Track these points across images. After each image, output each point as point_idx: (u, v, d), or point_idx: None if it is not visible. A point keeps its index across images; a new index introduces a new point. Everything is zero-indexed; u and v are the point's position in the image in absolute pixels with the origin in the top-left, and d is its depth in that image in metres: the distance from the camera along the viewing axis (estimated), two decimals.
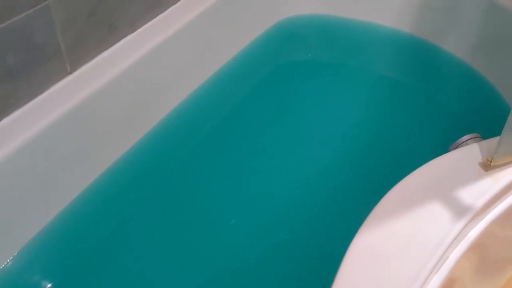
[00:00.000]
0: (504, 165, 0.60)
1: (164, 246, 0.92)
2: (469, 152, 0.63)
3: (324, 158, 1.08)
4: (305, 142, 1.12)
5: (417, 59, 1.36)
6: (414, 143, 1.11)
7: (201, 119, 1.17)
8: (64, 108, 0.90)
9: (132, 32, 1.04)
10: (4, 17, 0.77)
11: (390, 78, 1.33)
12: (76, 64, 0.94)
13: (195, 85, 1.22)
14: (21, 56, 0.82)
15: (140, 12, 1.04)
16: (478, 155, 0.62)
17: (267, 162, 1.08)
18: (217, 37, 1.26)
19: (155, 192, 1.01)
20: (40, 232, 0.91)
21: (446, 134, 1.12)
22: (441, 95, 1.26)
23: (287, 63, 1.38)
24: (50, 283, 0.86)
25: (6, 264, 0.87)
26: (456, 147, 0.69)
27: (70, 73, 0.93)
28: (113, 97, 0.99)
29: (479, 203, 0.56)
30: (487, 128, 0.96)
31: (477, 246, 0.56)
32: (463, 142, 0.69)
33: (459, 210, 0.56)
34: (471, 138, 0.68)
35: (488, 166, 0.60)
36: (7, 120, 0.84)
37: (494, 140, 0.61)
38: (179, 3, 1.15)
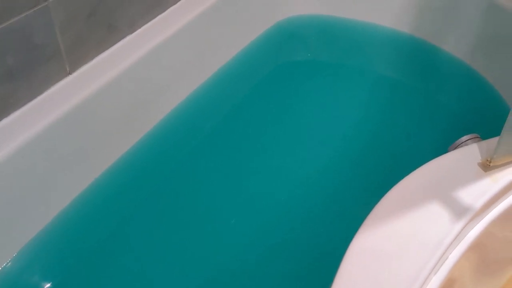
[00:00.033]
0: (504, 165, 0.60)
1: (164, 246, 0.92)
2: (469, 152, 0.63)
3: (324, 158, 1.08)
4: (305, 142, 1.12)
5: (417, 59, 1.36)
6: (414, 143, 1.11)
7: (201, 119, 1.17)
8: (64, 109, 0.90)
9: (132, 32, 1.04)
10: (4, 18, 0.77)
11: (389, 78, 1.33)
12: (75, 64, 0.94)
13: (195, 85, 1.22)
14: (21, 56, 0.82)
15: (140, 12, 1.04)
16: (477, 156, 0.62)
17: (267, 162, 1.08)
18: (217, 37, 1.26)
19: (155, 192, 1.01)
20: (40, 232, 0.91)
21: (446, 134, 1.12)
22: (440, 95, 1.26)
23: (287, 63, 1.38)
24: (50, 283, 0.86)
25: (6, 264, 0.87)
26: (456, 148, 0.69)
27: (70, 73, 0.93)
28: (112, 97, 0.99)
29: (479, 203, 0.56)
30: (486, 128, 0.96)
31: (477, 246, 0.56)
32: (462, 143, 0.69)
33: (458, 210, 0.56)
34: (471, 139, 0.68)
35: (488, 166, 0.60)
36: (6, 120, 0.84)
37: (494, 141, 0.61)
38: (178, 3, 1.15)
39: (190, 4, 1.17)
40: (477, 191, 0.58)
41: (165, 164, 1.07)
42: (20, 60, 0.82)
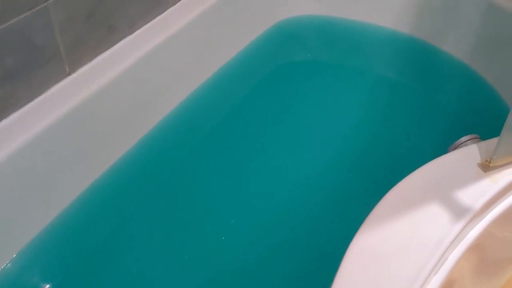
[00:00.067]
0: (503, 166, 0.61)
1: (164, 246, 0.92)
2: (468, 153, 0.63)
3: (324, 158, 1.08)
4: (304, 142, 1.12)
5: (416, 59, 1.36)
6: (414, 143, 1.11)
7: (201, 119, 1.17)
8: (63, 109, 0.90)
9: (131, 33, 1.04)
10: (3, 19, 0.77)
11: (389, 78, 1.33)
12: (75, 65, 0.94)
13: (194, 85, 1.22)
14: (20, 57, 0.82)
15: (139, 13, 1.04)
16: (477, 156, 0.62)
17: (267, 162, 1.08)
18: (217, 38, 1.26)
19: (155, 193, 1.01)
20: (40, 233, 0.91)
21: (445, 134, 1.12)
22: (440, 95, 1.26)
23: (287, 63, 1.38)
24: (50, 284, 0.86)
25: (6, 265, 0.87)
26: (455, 148, 0.69)
27: (69, 74, 0.93)
28: (112, 98, 0.99)
29: (478, 204, 0.56)
30: (486, 128, 0.96)
31: (477, 247, 0.56)
32: (462, 143, 0.69)
33: (458, 211, 0.56)
34: (470, 139, 0.68)
35: (487, 167, 0.60)
36: (6, 121, 0.84)
37: (493, 141, 0.62)
38: (178, 4, 1.15)
39: (189, 4, 1.17)
40: (476, 192, 0.58)
41: (165, 165, 1.07)
42: (20, 61, 0.82)
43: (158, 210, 0.98)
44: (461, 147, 0.68)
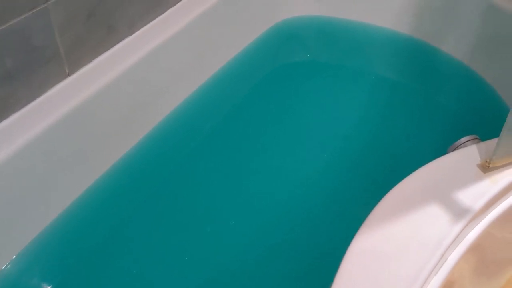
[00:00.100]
0: (503, 166, 0.61)
1: (164, 247, 0.92)
2: (468, 153, 0.63)
3: (324, 158, 1.08)
4: (304, 143, 1.12)
5: (416, 60, 1.36)
6: (413, 144, 1.11)
7: (201, 120, 1.17)
8: (63, 110, 0.90)
9: (131, 34, 1.04)
10: (3, 20, 0.77)
11: (389, 79, 1.33)
12: (75, 66, 0.94)
13: (194, 86, 1.22)
14: (20, 58, 0.82)
15: (139, 14, 1.04)
16: (476, 157, 0.62)
17: (266, 163, 1.08)
18: (217, 39, 1.26)
19: (154, 194, 1.01)
20: (39, 235, 0.91)
21: (445, 135, 1.12)
22: (439, 96, 1.26)
23: (287, 64, 1.38)
24: (50, 285, 0.86)
25: (6, 266, 0.87)
26: (455, 149, 0.69)
27: (69, 75, 0.93)
28: (112, 99, 0.99)
29: (478, 204, 0.56)
30: (485, 129, 0.96)
31: (476, 248, 0.56)
32: (461, 144, 0.69)
33: (457, 211, 0.56)
34: (470, 140, 0.68)
35: (487, 167, 0.60)
36: (6, 122, 0.84)
37: (493, 142, 0.62)
38: (178, 4, 1.15)
39: (189, 5, 1.17)
40: (476, 193, 0.58)
41: (164, 166, 1.07)
42: (20, 61, 0.82)
43: (158, 210, 0.98)
44: (460, 147, 0.68)
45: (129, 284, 0.86)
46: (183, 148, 1.11)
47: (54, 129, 0.88)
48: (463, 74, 1.28)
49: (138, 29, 1.06)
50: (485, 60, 1.25)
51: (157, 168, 1.06)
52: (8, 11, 0.77)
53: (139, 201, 1.00)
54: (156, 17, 1.10)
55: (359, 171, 1.05)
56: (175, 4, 1.14)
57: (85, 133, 0.96)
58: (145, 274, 0.88)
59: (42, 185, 0.90)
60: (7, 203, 0.84)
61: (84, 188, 0.98)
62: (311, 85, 1.27)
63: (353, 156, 1.08)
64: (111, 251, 0.91)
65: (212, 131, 1.15)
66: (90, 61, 0.96)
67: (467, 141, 0.68)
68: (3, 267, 0.86)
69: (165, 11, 1.12)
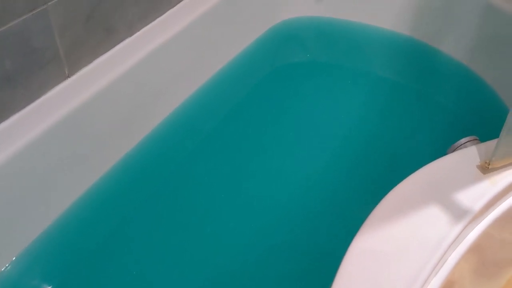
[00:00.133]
0: (502, 167, 0.61)
1: (164, 248, 0.92)
2: (467, 154, 0.63)
3: (323, 159, 1.08)
4: (304, 143, 1.12)
5: (416, 61, 1.36)
6: (413, 145, 1.12)
7: (200, 121, 1.17)
8: (63, 112, 0.90)
9: (130, 35, 1.04)
10: (2, 21, 0.77)
11: (388, 80, 1.33)
12: (74, 67, 0.94)
13: (194, 87, 1.22)
14: (20, 60, 0.82)
15: (138, 15, 1.04)
16: (476, 158, 0.62)
17: (266, 163, 1.08)
18: (216, 39, 1.26)
19: (154, 195, 1.01)
20: (40, 236, 0.91)
21: (445, 135, 1.12)
22: (439, 97, 1.27)
23: (286, 65, 1.38)
24: (50, 286, 0.86)
25: (6, 267, 0.87)
26: (454, 150, 0.69)
27: (69, 76, 0.93)
28: (112, 100, 0.99)
29: (477, 205, 0.56)
30: (485, 130, 0.96)
31: (476, 248, 0.56)
32: (461, 145, 0.69)
33: (457, 212, 0.56)
34: (469, 141, 0.68)
35: (486, 168, 0.60)
36: (5, 124, 0.84)
37: (492, 143, 0.62)
38: (177, 6, 1.15)
39: (188, 6, 1.17)
40: (476, 194, 0.58)
41: (164, 167, 1.07)
42: (19, 63, 0.82)
43: (157, 211, 0.98)
44: (460, 148, 0.68)
45: (129, 285, 0.86)
46: (183, 149, 1.11)
47: (54, 130, 0.88)
48: (462, 74, 1.28)
49: (138, 31, 1.06)
50: (485, 61, 1.25)
51: (157, 169, 1.06)
52: (8, 12, 0.77)
53: (139, 202, 1.00)
54: (156, 18, 1.10)
55: (358, 171, 1.06)
56: (174, 6, 1.14)
57: (85, 134, 0.96)
58: (145, 274, 0.88)
59: (42, 186, 0.90)
60: (7, 204, 0.84)
61: (84, 189, 0.98)
62: (311, 86, 1.27)
63: (352, 157, 1.08)
64: (111, 252, 0.91)
65: (212, 132, 1.15)
66: (90, 62, 0.96)
67: (466, 142, 0.68)
68: (3, 268, 0.86)
69: (164, 13, 1.12)
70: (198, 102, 1.20)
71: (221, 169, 1.06)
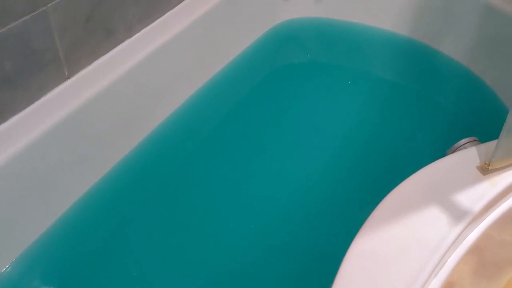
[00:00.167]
0: (502, 168, 0.61)
1: (164, 249, 0.92)
2: (467, 155, 0.63)
3: (323, 160, 1.08)
4: (304, 144, 1.12)
5: (415, 61, 1.36)
6: (413, 146, 1.12)
7: (200, 122, 1.17)
8: (63, 113, 0.90)
9: (130, 37, 1.04)
10: (2, 23, 0.77)
11: (388, 80, 1.33)
12: (74, 69, 0.94)
13: (194, 88, 1.22)
14: (19, 61, 0.82)
15: (138, 16, 1.04)
16: (476, 159, 0.62)
17: (266, 164, 1.08)
18: (216, 41, 1.26)
19: (154, 196, 1.01)
20: (40, 236, 0.91)
21: (444, 136, 1.12)
22: (439, 97, 1.27)
23: (286, 65, 1.38)
24: (50, 287, 0.86)
25: (6, 269, 0.87)
26: (454, 151, 0.69)
27: (68, 78, 0.93)
28: (111, 102, 0.99)
29: (477, 206, 0.56)
30: (485, 130, 0.96)
31: (476, 250, 0.56)
32: (461, 146, 0.69)
33: (457, 213, 0.56)
34: (469, 142, 0.68)
35: (486, 169, 0.60)
36: (5, 125, 0.84)
37: (492, 144, 0.62)
38: (176, 7, 1.15)
39: (188, 8, 1.17)
40: (475, 195, 0.58)
41: (164, 168, 1.07)
42: (19, 64, 0.82)
43: (157, 212, 0.98)
44: (460, 149, 0.68)
45: (129, 285, 0.87)
46: (183, 149, 1.11)
47: (54, 132, 0.88)
48: (462, 75, 1.28)
49: (137, 32, 1.05)
50: (485, 62, 1.25)
51: (157, 169, 1.06)
52: (8, 14, 0.78)
53: (139, 203, 1.00)
54: (155, 20, 1.10)
55: (358, 172, 1.06)
56: (174, 6, 1.14)
57: (85, 135, 0.96)
58: (146, 275, 0.88)
59: (42, 187, 0.90)
60: (7, 205, 0.84)
61: (84, 190, 0.98)
62: (311, 87, 1.27)
63: (352, 157, 1.08)
64: (111, 253, 0.91)
65: (212, 133, 1.15)
66: (89, 63, 0.96)
67: (466, 143, 0.68)
68: (3, 269, 0.86)
69: (164, 14, 1.12)
70: (198, 103, 1.20)
71: (221, 170, 1.06)
